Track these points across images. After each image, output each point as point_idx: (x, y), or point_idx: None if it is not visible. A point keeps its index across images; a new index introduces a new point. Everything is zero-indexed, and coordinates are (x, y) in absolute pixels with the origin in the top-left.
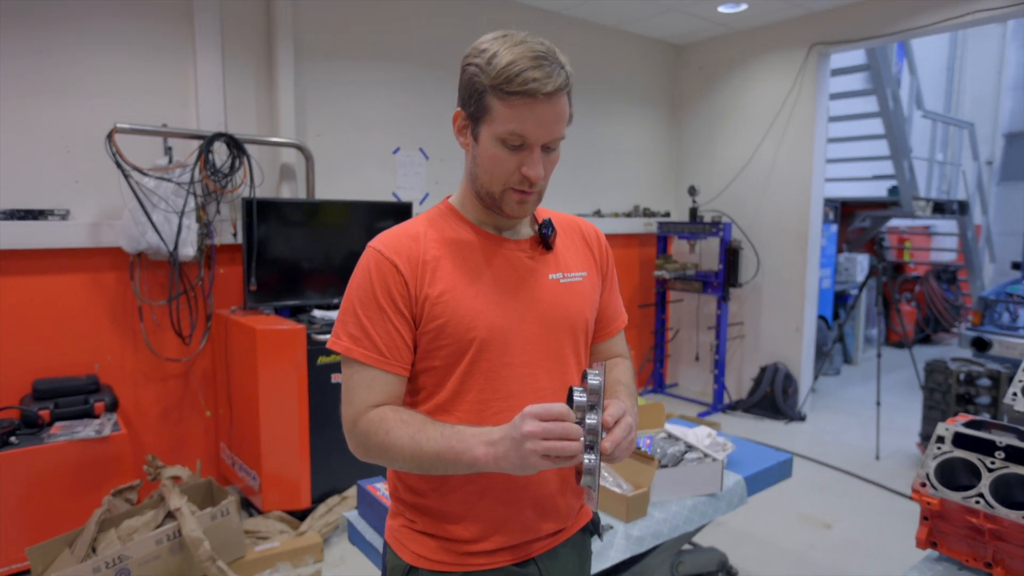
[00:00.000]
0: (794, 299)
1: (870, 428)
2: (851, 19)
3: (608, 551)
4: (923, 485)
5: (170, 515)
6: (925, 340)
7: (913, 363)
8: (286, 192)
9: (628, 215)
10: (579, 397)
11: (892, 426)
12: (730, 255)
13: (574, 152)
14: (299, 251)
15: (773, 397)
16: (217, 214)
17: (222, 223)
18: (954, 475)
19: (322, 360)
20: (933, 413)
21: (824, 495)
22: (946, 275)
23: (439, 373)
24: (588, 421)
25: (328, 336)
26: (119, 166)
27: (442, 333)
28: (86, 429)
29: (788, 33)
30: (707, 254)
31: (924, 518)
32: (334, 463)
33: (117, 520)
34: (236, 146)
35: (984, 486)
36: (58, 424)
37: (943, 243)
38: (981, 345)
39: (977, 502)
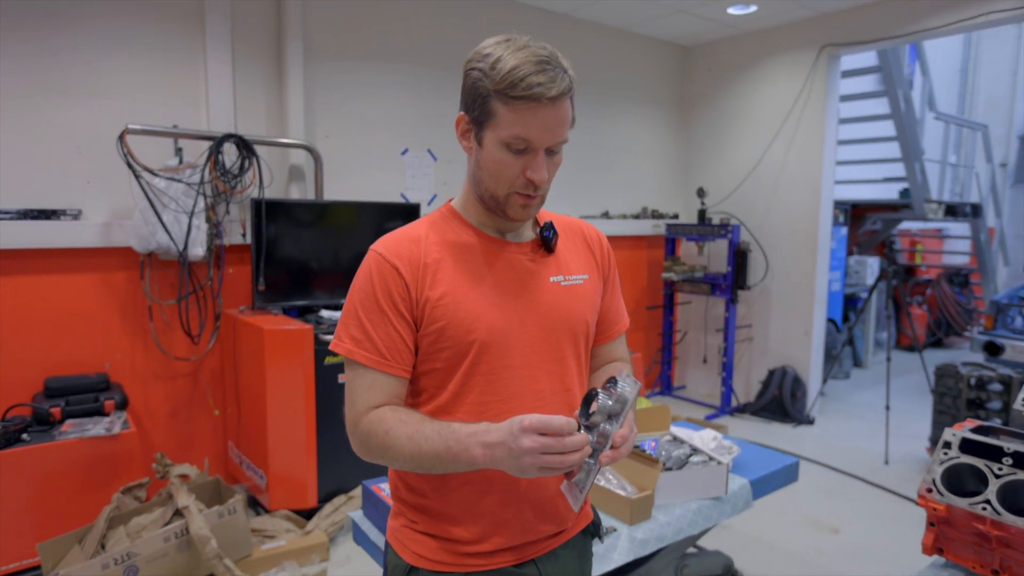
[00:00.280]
0: (803, 302)
1: (879, 432)
2: (862, 20)
3: (611, 554)
4: (929, 491)
5: (178, 513)
6: (937, 344)
7: (923, 367)
8: (295, 193)
9: (636, 217)
10: (605, 399)
11: (902, 430)
12: (739, 257)
13: (582, 154)
14: (307, 252)
15: (781, 400)
16: (226, 214)
17: (231, 223)
18: (961, 481)
19: (329, 360)
20: (943, 418)
21: (832, 499)
22: (958, 278)
23: (440, 375)
24: (604, 426)
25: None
26: (130, 167)
27: (443, 335)
28: (96, 427)
29: (798, 34)
30: (716, 256)
31: (930, 524)
32: (341, 463)
33: (126, 517)
34: (246, 147)
35: (991, 492)
36: (69, 422)
37: (956, 246)
38: (993, 349)
39: (984, 508)
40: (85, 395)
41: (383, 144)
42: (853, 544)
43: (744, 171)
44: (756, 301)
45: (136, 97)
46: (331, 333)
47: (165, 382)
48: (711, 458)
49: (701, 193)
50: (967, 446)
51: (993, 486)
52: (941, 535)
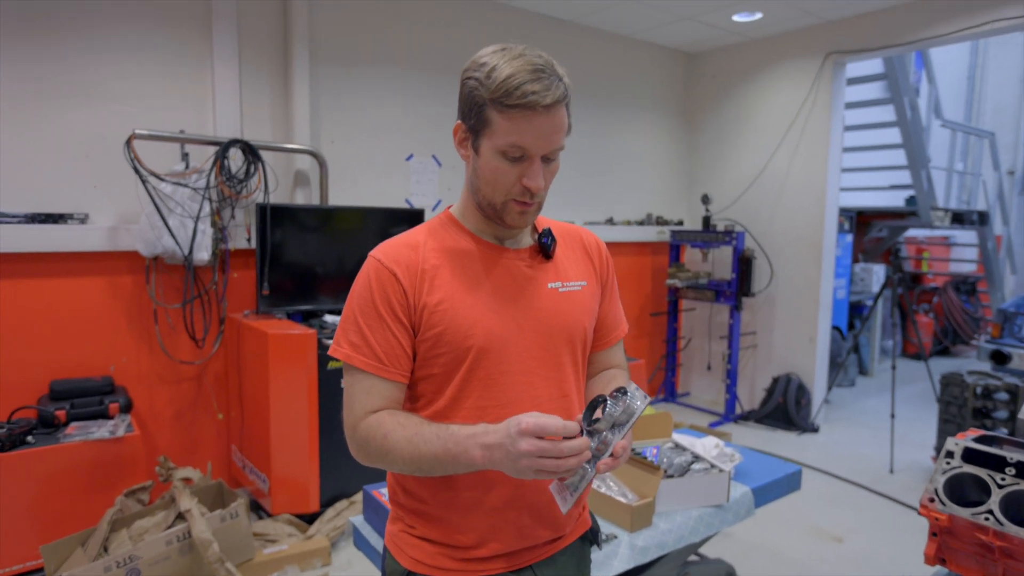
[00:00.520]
0: (808, 309)
1: (884, 441)
2: (867, 28)
3: (612, 561)
4: (931, 500)
5: (180, 516)
6: (943, 352)
7: (929, 375)
8: (300, 198)
9: (641, 223)
10: (613, 408)
11: (907, 439)
12: (743, 264)
13: (587, 160)
14: (312, 256)
15: (786, 408)
16: (232, 219)
17: (236, 228)
18: (964, 491)
19: (333, 365)
20: (949, 427)
21: (836, 508)
22: (965, 286)
23: (438, 380)
24: (606, 434)
25: None
26: (137, 171)
27: (440, 341)
28: (100, 430)
29: (803, 42)
30: (720, 263)
31: (933, 534)
32: (343, 467)
33: (129, 520)
34: (251, 152)
35: (994, 503)
36: (74, 424)
37: (963, 254)
38: (1000, 358)
39: (986, 519)
40: (90, 398)
41: (388, 150)
42: (857, 553)
43: (749, 178)
44: (760, 308)
45: (143, 102)
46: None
47: (169, 385)
48: (713, 465)
49: (705, 200)
50: (970, 456)
51: (996, 496)
52: (943, 545)
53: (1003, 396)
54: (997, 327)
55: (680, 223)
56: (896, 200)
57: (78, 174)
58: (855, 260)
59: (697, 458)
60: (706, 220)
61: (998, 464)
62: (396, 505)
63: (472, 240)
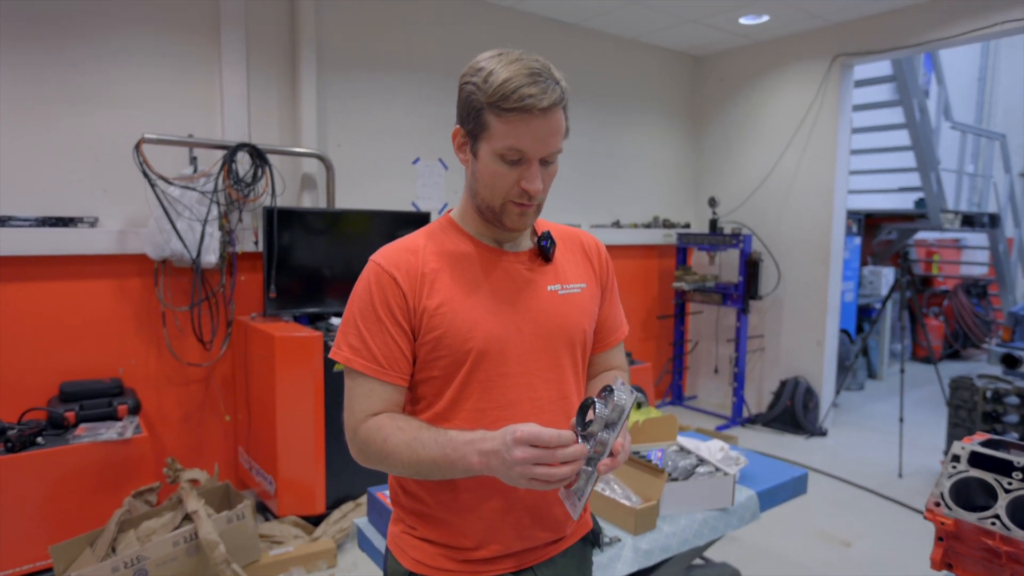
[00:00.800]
0: (816, 312)
1: (893, 445)
2: (875, 30)
3: (616, 564)
4: (937, 505)
5: (188, 517)
6: (954, 356)
7: (939, 379)
8: (307, 201)
9: (647, 226)
10: (602, 408)
11: (916, 443)
12: (750, 267)
13: (593, 163)
14: (319, 259)
15: (793, 411)
16: (239, 222)
17: (244, 231)
18: (970, 495)
19: (339, 367)
20: (958, 431)
21: (844, 512)
22: (976, 289)
23: (437, 383)
24: (601, 435)
25: None
26: (146, 175)
27: (440, 344)
28: (109, 431)
29: (810, 44)
30: (727, 266)
31: (939, 539)
32: (349, 470)
33: (136, 521)
34: (259, 156)
35: (1000, 507)
36: (83, 426)
37: (974, 256)
38: (1011, 362)
39: (993, 523)
40: (99, 400)
41: (395, 153)
42: (864, 558)
43: (756, 181)
44: (768, 311)
45: (152, 107)
46: None
47: (177, 387)
48: (718, 469)
49: (712, 203)
50: (976, 460)
51: (1002, 501)
52: (950, 550)
53: (1014, 400)
54: (1008, 330)
55: (687, 226)
56: (905, 203)
57: (88, 178)
58: (864, 263)
59: (702, 461)
60: (713, 223)
61: (1005, 468)
62: (397, 506)
63: (471, 243)
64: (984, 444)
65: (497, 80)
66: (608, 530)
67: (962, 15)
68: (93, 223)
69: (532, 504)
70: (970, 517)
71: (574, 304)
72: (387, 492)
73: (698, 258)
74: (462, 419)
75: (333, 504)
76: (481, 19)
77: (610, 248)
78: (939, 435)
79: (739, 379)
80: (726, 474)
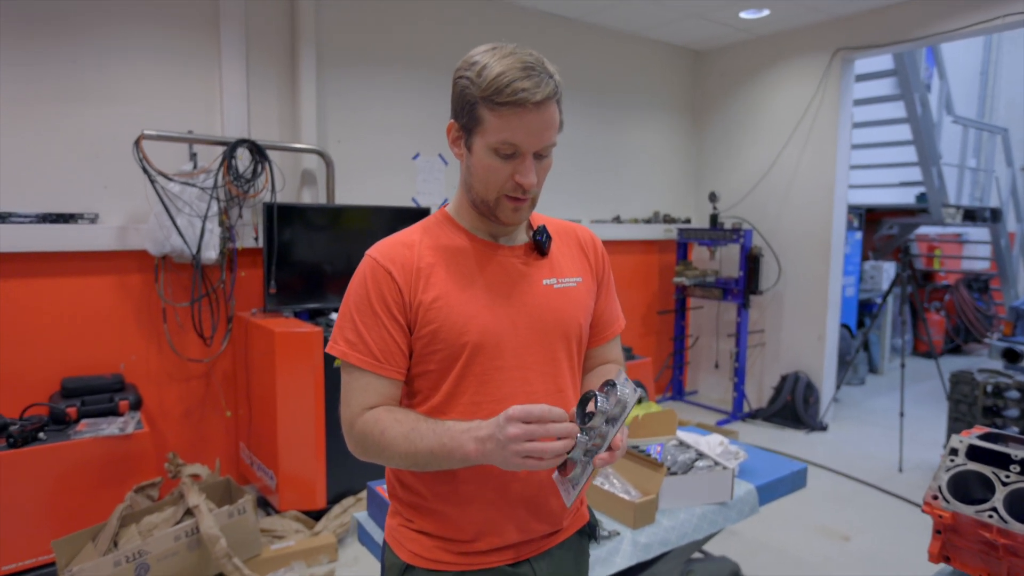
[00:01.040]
0: (816, 307)
1: (893, 439)
2: (876, 24)
3: (614, 557)
4: (935, 498)
5: (189, 512)
6: (955, 350)
7: (940, 374)
8: (307, 197)
9: (648, 221)
10: (604, 402)
11: (917, 438)
12: (751, 262)
13: (594, 158)
14: (318, 255)
15: (794, 406)
16: (239, 218)
17: (244, 227)
18: (968, 488)
19: (339, 363)
20: (959, 425)
21: (843, 507)
22: (978, 284)
23: (433, 377)
24: (603, 428)
25: None
26: (146, 171)
27: (436, 338)
28: (111, 427)
29: (811, 38)
30: (727, 261)
31: (937, 532)
32: (349, 464)
33: (138, 516)
34: (259, 152)
35: (998, 500)
36: (84, 421)
37: (975, 251)
38: (1012, 356)
39: (990, 516)
40: (100, 395)
41: (394, 149)
42: (863, 552)
43: (756, 175)
44: (768, 306)
45: (152, 103)
46: None
47: (178, 383)
48: (717, 463)
49: (713, 198)
50: (974, 453)
51: (1000, 493)
52: (948, 543)
53: (1014, 394)
54: (1009, 325)
55: (687, 221)
56: (907, 197)
57: (88, 174)
58: (865, 258)
59: (701, 455)
60: (714, 218)
61: (1003, 461)
62: (394, 499)
63: (467, 237)
64: (982, 437)
65: (491, 74)
66: (607, 524)
67: (964, 8)
68: (93, 219)
69: (529, 496)
70: (967, 510)
71: (570, 298)
72: (386, 486)
73: (699, 253)
74: (458, 412)
75: (334, 499)
76: (481, 15)
77: (610, 243)
78: (940, 430)
79: (739, 374)
80: (725, 468)
